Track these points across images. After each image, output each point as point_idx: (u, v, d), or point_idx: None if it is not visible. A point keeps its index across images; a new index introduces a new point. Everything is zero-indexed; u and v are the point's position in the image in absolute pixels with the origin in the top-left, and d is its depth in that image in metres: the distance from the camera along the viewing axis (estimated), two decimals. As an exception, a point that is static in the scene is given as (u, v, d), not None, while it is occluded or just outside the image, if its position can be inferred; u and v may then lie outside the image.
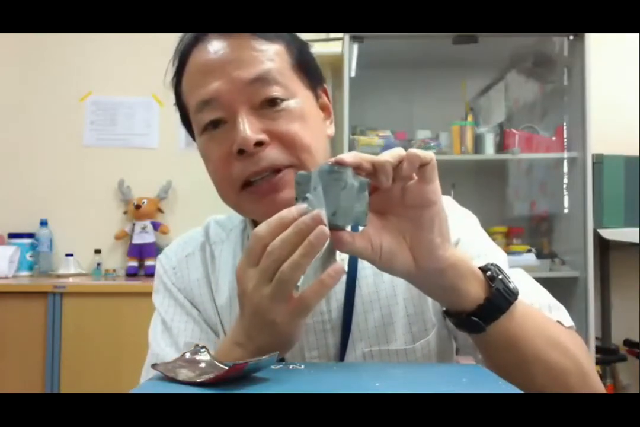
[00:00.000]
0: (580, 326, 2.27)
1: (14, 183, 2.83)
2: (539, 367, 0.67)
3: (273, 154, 0.73)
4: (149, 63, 2.84)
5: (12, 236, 2.74)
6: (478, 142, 2.59)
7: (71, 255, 2.71)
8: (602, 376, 2.65)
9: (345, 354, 0.80)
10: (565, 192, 2.53)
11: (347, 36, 2.37)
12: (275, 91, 0.75)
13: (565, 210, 2.54)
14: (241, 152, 0.73)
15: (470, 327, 0.66)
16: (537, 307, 0.73)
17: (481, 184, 2.73)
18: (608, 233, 2.52)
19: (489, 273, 0.67)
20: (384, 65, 2.64)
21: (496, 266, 0.68)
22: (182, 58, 0.80)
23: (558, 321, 0.74)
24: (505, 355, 0.67)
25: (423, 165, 0.60)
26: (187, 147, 2.85)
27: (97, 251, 2.76)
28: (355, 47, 2.44)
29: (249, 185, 0.75)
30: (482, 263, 0.68)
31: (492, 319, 0.65)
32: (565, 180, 2.53)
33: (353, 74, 2.51)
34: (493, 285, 0.65)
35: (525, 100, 2.78)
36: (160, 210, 2.82)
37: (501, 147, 2.61)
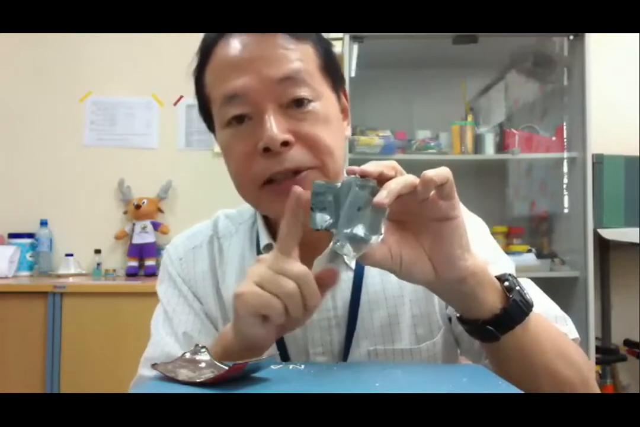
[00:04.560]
0: (580, 326, 2.27)
1: (14, 183, 2.83)
2: (547, 378, 0.67)
3: (298, 155, 0.74)
4: (149, 63, 2.85)
5: (12, 236, 2.74)
6: (478, 142, 2.59)
7: (71, 255, 2.71)
8: (602, 376, 2.65)
9: (349, 351, 0.80)
10: (565, 192, 2.53)
11: (347, 36, 2.37)
12: (304, 92, 0.75)
13: (565, 210, 2.53)
14: (267, 150, 0.73)
15: (484, 335, 0.67)
16: (544, 317, 0.73)
17: (481, 184, 2.72)
18: (608, 233, 2.51)
19: (506, 283, 0.67)
20: (384, 65, 2.64)
21: (513, 276, 0.69)
22: (208, 48, 0.79)
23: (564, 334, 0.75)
24: (515, 365, 0.67)
25: (441, 185, 0.60)
26: (187, 147, 2.85)
27: (97, 251, 2.76)
28: (355, 47, 2.44)
29: (270, 183, 0.75)
30: (493, 271, 0.68)
31: (507, 329, 0.65)
32: (565, 180, 2.53)
33: (353, 74, 2.51)
34: (511, 296, 0.66)
35: (525, 100, 2.78)
36: (160, 210, 2.82)
37: (501, 147, 2.61)
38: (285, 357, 0.81)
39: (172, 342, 0.83)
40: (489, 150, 2.57)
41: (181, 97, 2.86)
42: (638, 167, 2.58)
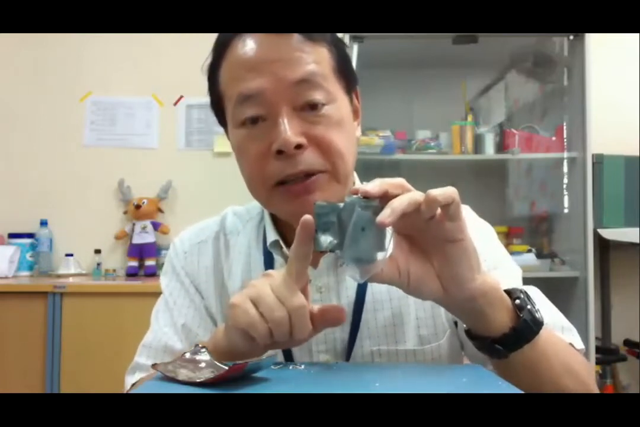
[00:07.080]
0: (580, 326, 2.26)
1: (14, 183, 2.83)
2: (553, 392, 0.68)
3: (310, 159, 0.74)
4: (149, 63, 2.85)
5: (12, 235, 2.74)
6: (478, 142, 2.59)
7: (71, 255, 2.70)
8: (602, 376, 2.65)
9: (352, 350, 0.81)
10: (565, 192, 2.53)
11: (347, 36, 2.37)
12: (318, 95, 0.75)
13: (565, 210, 2.53)
14: (280, 152, 0.74)
15: (492, 352, 0.66)
16: (550, 328, 0.73)
17: (481, 184, 2.72)
18: (608, 233, 2.51)
19: (517, 301, 0.66)
20: (384, 65, 2.63)
21: (525, 293, 0.68)
22: (224, 45, 0.79)
23: (570, 344, 0.75)
24: (523, 380, 0.67)
25: (446, 205, 0.59)
26: (187, 147, 2.85)
27: (97, 251, 2.75)
28: (355, 47, 2.44)
29: (281, 184, 0.76)
30: (499, 277, 0.68)
31: (516, 348, 0.65)
32: (565, 180, 2.52)
33: (353, 74, 2.50)
34: (521, 315, 0.65)
35: (525, 100, 2.78)
36: (160, 210, 2.81)
37: (501, 147, 2.61)
38: (287, 352, 0.81)
39: (170, 332, 0.85)
40: (489, 150, 2.57)
41: (181, 97, 2.86)
42: (638, 167, 2.58)
